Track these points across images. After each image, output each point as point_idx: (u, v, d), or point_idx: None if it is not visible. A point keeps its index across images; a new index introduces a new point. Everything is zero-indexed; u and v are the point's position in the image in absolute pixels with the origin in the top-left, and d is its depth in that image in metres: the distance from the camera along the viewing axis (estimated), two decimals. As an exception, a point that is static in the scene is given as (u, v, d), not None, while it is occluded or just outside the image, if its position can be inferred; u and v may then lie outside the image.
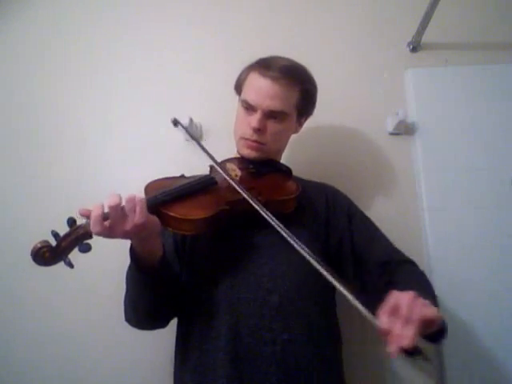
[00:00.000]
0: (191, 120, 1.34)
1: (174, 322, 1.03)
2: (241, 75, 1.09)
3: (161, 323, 1.01)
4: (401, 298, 0.70)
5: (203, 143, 1.39)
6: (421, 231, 1.35)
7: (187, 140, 1.40)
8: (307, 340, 0.92)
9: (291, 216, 0.99)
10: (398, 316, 0.68)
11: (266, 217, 0.86)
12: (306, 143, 1.41)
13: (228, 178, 0.94)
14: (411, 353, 0.64)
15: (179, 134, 1.37)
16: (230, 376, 0.88)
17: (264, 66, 1.02)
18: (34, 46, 1.52)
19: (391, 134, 1.42)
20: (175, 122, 1.08)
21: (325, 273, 0.78)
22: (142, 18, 1.53)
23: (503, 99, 1.41)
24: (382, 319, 0.68)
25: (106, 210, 0.77)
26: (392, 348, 0.65)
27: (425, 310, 0.69)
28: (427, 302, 0.73)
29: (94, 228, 0.76)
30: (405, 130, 1.40)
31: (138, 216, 0.79)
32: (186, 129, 1.07)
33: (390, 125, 1.41)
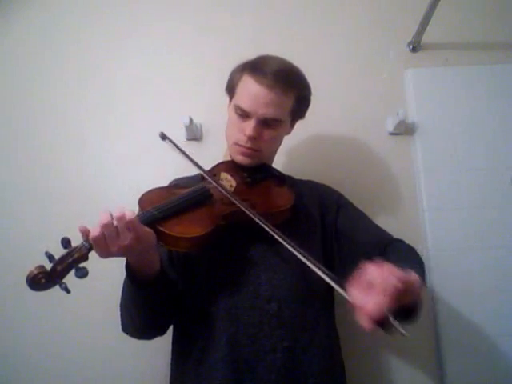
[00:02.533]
0: (191, 120, 1.33)
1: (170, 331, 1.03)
2: (233, 77, 1.06)
3: (159, 332, 0.99)
4: (369, 269, 0.68)
5: (202, 143, 1.43)
6: (421, 231, 1.35)
7: (188, 140, 1.40)
8: (307, 347, 0.91)
9: (286, 222, 0.98)
10: (367, 287, 0.65)
11: (266, 227, 0.84)
12: (306, 144, 1.41)
13: (225, 193, 0.92)
14: (381, 324, 0.62)
15: (179, 135, 1.37)
16: None
17: (258, 70, 0.98)
18: (33, 47, 1.51)
19: (391, 134, 1.42)
20: (163, 137, 1.03)
21: (326, 278, 0.76)
22: (141, 18, 1.52)
23: (503, 99, 1.41)
24: (351, 293, 0.66)
25: (100, 230, 0.76)
26: (360, 320, 0.63)
27: (393, 276, 0.66)
28: (399, 269, 0.70)
29: (94, 232, 0.75)
30: (405, 129, 1.40)
31: (132, 231, 0.77)
32: (174, 143, 1.02)
33: (390, 125, 1.41)
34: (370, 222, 1.09)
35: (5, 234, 1.35)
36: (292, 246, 0.81)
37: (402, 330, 0.64)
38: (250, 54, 1.06)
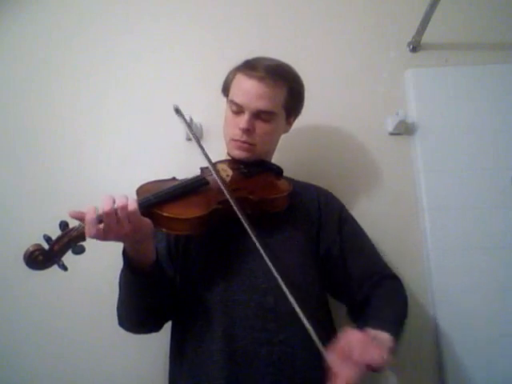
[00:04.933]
0: (191, 120, 1.34)
1: (168, 325, 1.03)
2: (227, 77, 1.10)
3: (155, 327, 1.00)
4: (352, 339, 0.75)
5: (202, 143, 1.42)
6: (421, 231, 1.35)
7: (188, 140, 1.40)
8: (303, 340, 0.90)
9: (284, 215, 1.00)
10: (346, 356, 0.72)
11: (243, 221, 0.86)
12: (306, 143, 1.41)
13: (216, 177, 0.94)
14: None
15: (179, 136, 1.38)
16: (226, 378, 0.87)
17: (249, 67, 1.03)
18: (30, 47, 1.51)
19: (391, 134, 1.42)
20: (177, 110, 1.05)
21: (287, 292, 0.80)
22: (141, 18, 1.52)
23: (503, 99, 1.40)
24: (330, 357, 0.72)
25: (100, 213, 0.77)
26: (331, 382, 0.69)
27: (373, 355, 0.72)
28: (381, 340, 0.79)
29: (89, 231, 0.76)
30: (405, 129, 1.40)
31: (132, 222, 0.79)
32: (186, 121, 1.05)
33: (390, 125, 1.41)
34: (371, 246, 1.10)
35: (4, 235, 1.36)
36: (263, 248, 0.84)
37: None
38: (251, 54, 1.07)
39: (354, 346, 0.73)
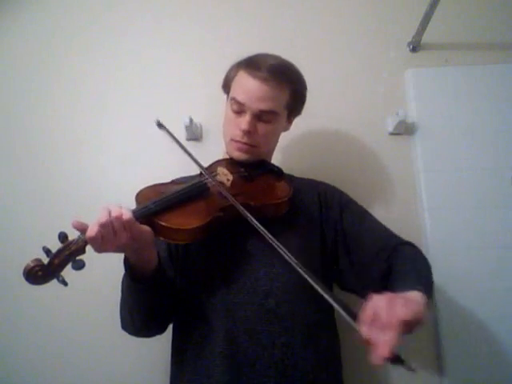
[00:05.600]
0: (191, 120, 1.34)
1: (169, 328, 1.03)
2: (228, 73, 1.08)
3: (158, 330, 1.00)
4: (378, 303, 0.69)
5: (202, 143, 1.43)
6: (421, 231, 1.35)
7: (188, 140, 1.40)
8: (305, 342, 0.91)
9: (284, 218, 0.99)
10: (378, 322, 0.66)
11: (254, 224, 0.85)
12: (306, 143, 1.41)
13: (217, 185, 0.93)
14: (393, 360, 0.64)
15: (179, 135, 1.37)
16: (228, 381, 0.87)
17: (252, 65, 1.00)
18: (31, 47, 1.52)
19: (391, 134, 1.42)
20: (159, 125, 1.03)
21: (310, 281, 0.78)
22: (141, 18, 1.53)
23: (503, 99, 1.40)
24: (362, 328, 0.67)
25: (97, 230, 0.76)
26: (373, 358, 0.64)
27: (404, 311, 0.67)
28: (409, 297, 0.73)
29: (89, 232, 0.75)
30: (405, 130, 1.40)
31: (128, 231, 0.78)
32: (169, 132, 1.02)
33: (390, 125, 1.41)
34: (375, 222, 1.08)
35: (4, 238, 1.35)
36: (278, 246, 0.83)
37: (411, 366, 0.65)
38: (251, 54, 1.06)
39: (381, 308, 0.68)
